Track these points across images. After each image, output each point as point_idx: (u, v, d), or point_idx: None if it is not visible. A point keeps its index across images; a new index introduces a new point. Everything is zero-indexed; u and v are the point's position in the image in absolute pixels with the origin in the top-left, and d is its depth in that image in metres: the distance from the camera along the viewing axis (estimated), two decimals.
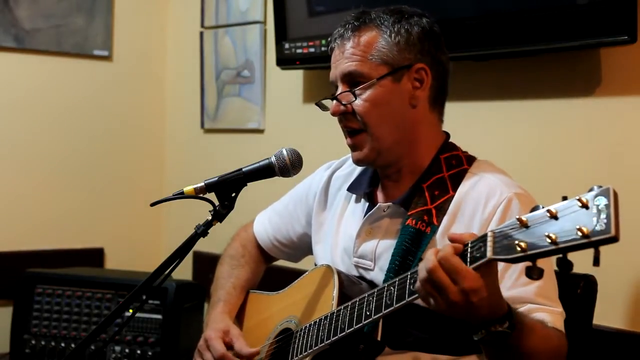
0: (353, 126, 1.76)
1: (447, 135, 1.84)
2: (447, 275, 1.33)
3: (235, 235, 2.19)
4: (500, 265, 1.57)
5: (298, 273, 1.92)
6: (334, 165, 2.03)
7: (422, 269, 1.36)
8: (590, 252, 2.14)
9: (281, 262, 2.24)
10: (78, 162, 3.38)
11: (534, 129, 2.29)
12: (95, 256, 3.40)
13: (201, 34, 3.38)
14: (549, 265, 1.65)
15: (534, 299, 1.59)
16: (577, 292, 1.88)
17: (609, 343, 2.06)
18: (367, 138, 1.74)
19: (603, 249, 2.14)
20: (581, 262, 2.07)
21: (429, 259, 1.35)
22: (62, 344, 2.71)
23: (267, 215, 2.15)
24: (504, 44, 2.21)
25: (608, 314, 2.07)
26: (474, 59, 2.33)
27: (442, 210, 1.70)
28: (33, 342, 2.73)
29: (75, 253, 3.34)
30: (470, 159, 1.80)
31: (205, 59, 3.38)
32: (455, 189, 1.72)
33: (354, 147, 1.78)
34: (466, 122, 2.38)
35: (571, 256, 2.09)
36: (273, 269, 2.23)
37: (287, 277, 1.96)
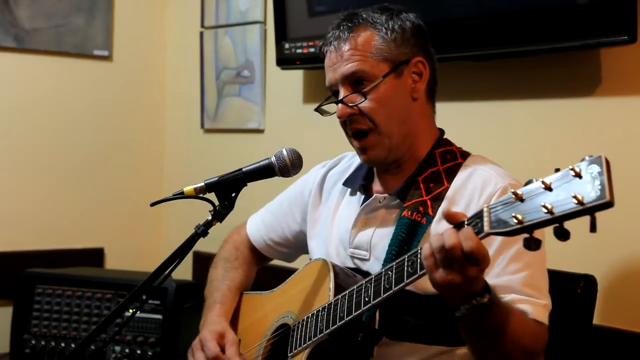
0: (362, 127, 1.76)
1: (442, 131, 1.87)
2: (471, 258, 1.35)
3: (228, 238, 2.19)
4: (491, 251, 1.58)
5: (291, 272, 1.92)
6: (329, 164, 2.05)
7: (446, 243, 1.36)
8: (590, 251, 2.14)
9: (274, 262, 2.24)
10: (78, 162, 3.38)
11: (534, 129, 2.29)
12: (95, 256, 3.40)
13: (201, 34, 3.38)
14: (541, 257, 1.67)
15: (520, 289, 1.61)
16: (577, 292, 1.88)
17: (609, 343, 2.06)
18: (378, 137, 1.76)
19: (604, 248, 2.15)
20: (581, 262, 2.08)
21: (451, 235, 1.35)
22: (62, 344, 2.71)
23: (261, 215, 2.16)
24: (504, 44, 2.21)
25: (608, 314, 2.07)
26: (473, 59, 2.33)
27: (437, 201, 1.72)
28: (33, 342, 2.73)
29: (75, 253, 3.34)
30: (465, 154, 1.82)
31: (205, 59, 3.38)
32: (450, 181, 1.74)
33: (364, 149, 1.79)
34: (466, 122, 2.38)
35: (572, 255, 2.10)
36: (265, 269, 2.23)
37: (279, 277, 1.96)
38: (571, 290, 1.87)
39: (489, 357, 1.56)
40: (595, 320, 1.96)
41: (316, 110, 1.88)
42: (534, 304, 1.61)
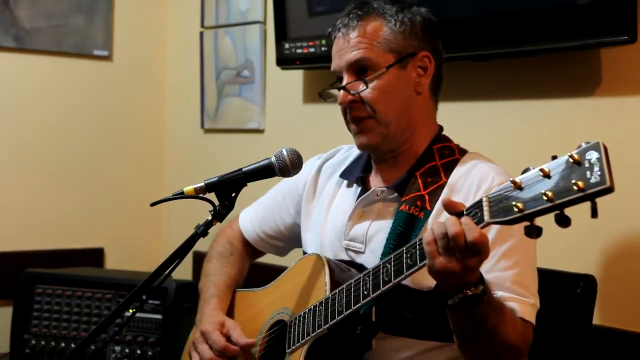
0: (361, 115, 1.77)
1: (441, 127, 1.88)
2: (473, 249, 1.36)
3: (221, 232, 2.17)
4: None
5: (282, 269, 1.91)
6: (324, 156, 2.06)
7: (449, 231, 1.37)
8: (590, 251, 2.14)
9: (265, 259, 2.23)
10: (78, 162, 3.38)
11: (534, 129, 2.29)
12: (95, 256, 3.40)
13: (201, 34, 3.38)
14: (532, 257, 1.67)
15: (509, 286, 1.62)
16: (577, 292, 1.88)
17: (608, 343, 2.06)
18: (375, 123, 1.77)
19: (604, 248, 2.15)
20: (581, 262, 2.08)
21: (455, 223, 1.36)
22: (62, 344, 2.71)
23: (253, 208, 2.15)
24: (504, 44, 2.21)
25: (608, 314, 2.07)
26: (474, 59, 2.33)
27: (435, 196, 1.73)
28: (33, 342, 2.73)
29: (75, 253, 3.34)
30: (462, 151, 1.84)
31: (205, 59, 3.38)
32: (447, 176, 1.76)
33: (359, 132, 1.80)
34: (466, 122, 2.38)
35: (572, 255, 2.10)
36: (257, 266, 2.22)
37: (271, 274, 1.95)
38: (571, 290, 1.87)
39: (476, 351, 1.57)
40: (595, 320, 1.96)
41: (320, 94, 1.89)
42: (521, 303, 1.61)
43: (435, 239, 1.39)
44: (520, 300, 1.61)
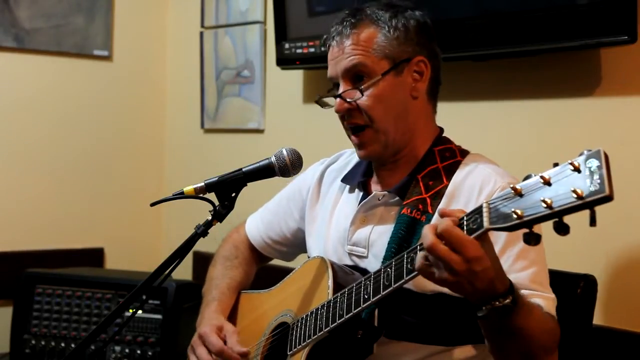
0: (358, 122, 1.77)
1: (441, 129, 1.87)
2: (449, 246, 1.33)
3: (227, 237, 2.18)
4: (497, 248, 1.58)
5: (288, 271, 1.92)
6: (327, 160, 2.06)
7: (424, 243, 1.36)
8: (590, 251, 2.14)
9: (271, 262, 2.23)
10: (78, 162, 3.38)
11: (534, 129, 2.29)
12: (95, 256, 3.41)
13: (201, 34, 3.38)
14: (543, 254, 1.67)
15: (528, 285, 1.61)
16: (577, 292, 1.88)
17: (609, 343, 2.06)
18: (373, 133, 1.76)
19: (604, 248, 2.15)
20: (581, 262, 2.08)
21: (427, 234, 1.35)
22: (62, 344, 2.72)
23: (259, 214, 2.16)
24: (504, 44, 2.21)
25: (608, 314, 2.07)
26: (473, 59, 2.33)
27: (436, 199, 1.72)
28: (33, 342, 2.73)
29: (75, 253, 3.34)
30: (464, 152, 1.83)
31: (205, 59, 3.38)
32: (449, 179, 1.75)
33: (360, 145, 1.79)
34: (466, 122, 2.38)
35: (572, 255, 2.10)
36: (263, 268, 2.22)
37: (277, 276, 1.95)
38: (571, 290, 1.87)
39: (509, 355, 1.55)
40: (595, 320, 1.96)
41: (317, 102, 1.89)
42: (545, 298, 1.61)
43: (426, 255, 1.37)
44: (544, 296, 1.61)
